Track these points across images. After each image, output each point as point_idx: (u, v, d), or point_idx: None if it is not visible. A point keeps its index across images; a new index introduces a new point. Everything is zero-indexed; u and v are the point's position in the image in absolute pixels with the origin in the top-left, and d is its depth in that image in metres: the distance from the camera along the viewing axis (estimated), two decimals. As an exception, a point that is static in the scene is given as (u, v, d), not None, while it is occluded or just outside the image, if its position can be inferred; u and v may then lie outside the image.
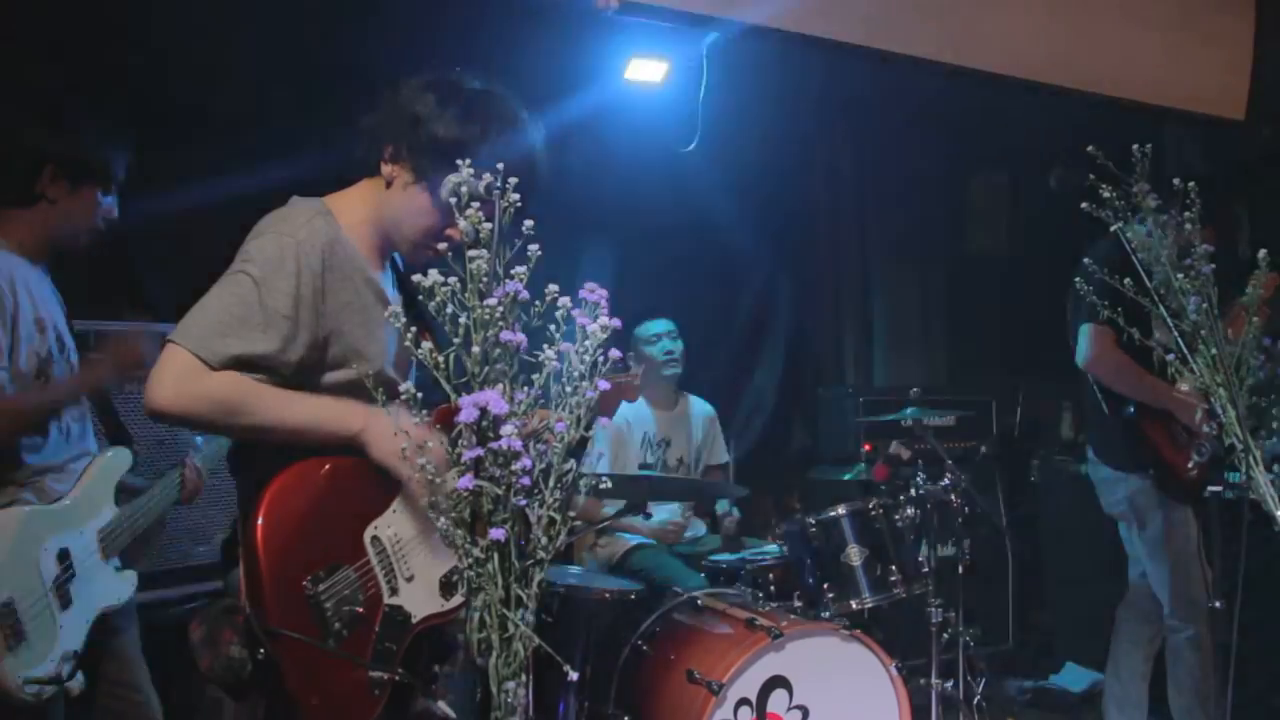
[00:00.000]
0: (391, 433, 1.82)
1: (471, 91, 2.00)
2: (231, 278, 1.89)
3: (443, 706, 2.04)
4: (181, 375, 1.81)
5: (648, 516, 3.76)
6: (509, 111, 2.00)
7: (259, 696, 1.88)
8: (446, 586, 2.04)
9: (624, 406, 3.41)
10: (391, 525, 2.00)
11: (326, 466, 1.94)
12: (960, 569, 3.75)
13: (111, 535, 2.50)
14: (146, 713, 2.64)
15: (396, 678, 1.91)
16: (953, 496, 3.69)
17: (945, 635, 3.58)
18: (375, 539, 1.98)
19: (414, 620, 2.00)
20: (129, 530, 2.55)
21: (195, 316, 1.85)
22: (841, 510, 3.43)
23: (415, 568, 2.02)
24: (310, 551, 1.89)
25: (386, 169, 2.01)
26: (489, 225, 1.47)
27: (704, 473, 4.39)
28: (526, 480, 1.38)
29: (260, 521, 1.85)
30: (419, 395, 1.46)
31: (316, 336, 1.94)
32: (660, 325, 4.28)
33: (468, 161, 1.63)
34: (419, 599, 2.02)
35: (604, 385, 1.45)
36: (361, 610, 1.91)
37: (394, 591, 1.98)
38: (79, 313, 3.10)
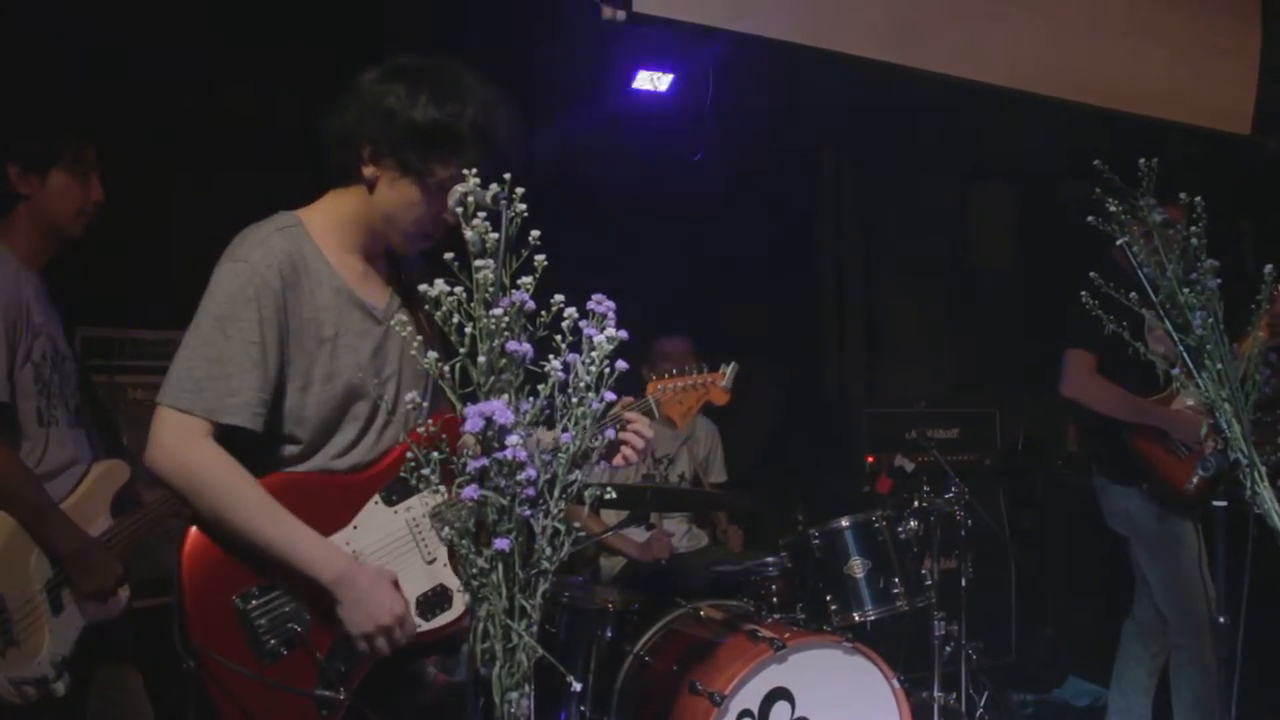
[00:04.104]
0: (367, 601, 1.82)
1: (433, 71, 1.95)
2: (196, 324, 1.86)
3: None
4: (175, 434, 1.81)
5: (650, 527, 3.76)
6: (472, 81, 1.95)
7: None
8: (425, 605, 1.96)
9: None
10: (351, 543, 1.92)
11: (279, 480, 1.88)
12: (963, 582, 3.75)
13: (107, 545, 2.50)
14: (139, 718, 2.64)
15: (340, 698, 1.84)
16: (956, 509, 3.69)
17: (948, 648, 3.58)
18: None
19: None
20: (126, 540, 2.55)
21: (172, 372, 1.84)
22: (845, 522, 3.43)
23: None
24: (245, 567, 1.83)
25: (369, 170, 1.95)
26: (495, 235, 1.47)
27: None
28: (531, 491, 1.38)
29: (191, 532, 1.82)
30: (425, 405, 1.46)
31: (286, 355, 1.89)
32: (675, 345, 4.22)
33: (466, 169, 1.63)
34: None
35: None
36: (302, 630, 1.85)
37: None
38: (85, 320, 3.10)
